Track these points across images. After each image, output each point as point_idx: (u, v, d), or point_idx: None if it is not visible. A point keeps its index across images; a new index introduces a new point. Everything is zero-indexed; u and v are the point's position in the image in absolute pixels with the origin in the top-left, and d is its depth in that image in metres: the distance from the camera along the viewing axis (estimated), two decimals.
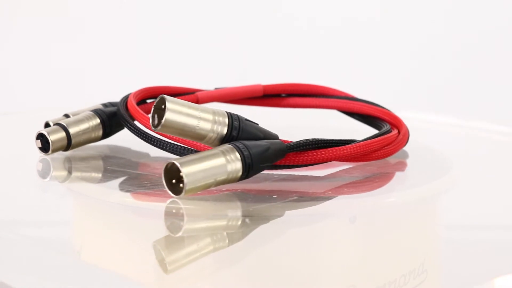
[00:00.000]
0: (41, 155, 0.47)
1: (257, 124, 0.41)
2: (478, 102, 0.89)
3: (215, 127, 0.39)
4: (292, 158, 0.42)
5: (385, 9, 0.99)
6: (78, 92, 0.85)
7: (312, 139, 0.42)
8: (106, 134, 0.49)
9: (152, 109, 0.39)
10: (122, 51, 0.94)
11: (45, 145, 0.47)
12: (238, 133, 0.40)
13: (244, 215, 0.39)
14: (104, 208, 0.41)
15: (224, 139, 0.40)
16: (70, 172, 0.47)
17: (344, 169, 0.46)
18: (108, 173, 0.47)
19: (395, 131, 0.47)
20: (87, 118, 0.48)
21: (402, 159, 0.49)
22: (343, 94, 0.55)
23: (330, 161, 0.43)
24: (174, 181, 0.38)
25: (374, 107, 0.52)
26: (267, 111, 0.57)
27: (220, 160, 0.38)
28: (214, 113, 0.40)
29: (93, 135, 0.48)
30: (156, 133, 0.42)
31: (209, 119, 0.39)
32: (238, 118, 0.40)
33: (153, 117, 0.39)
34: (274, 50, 0.99)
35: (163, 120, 0.38)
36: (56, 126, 0.47)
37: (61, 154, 0.48)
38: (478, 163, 0.52)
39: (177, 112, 0.39)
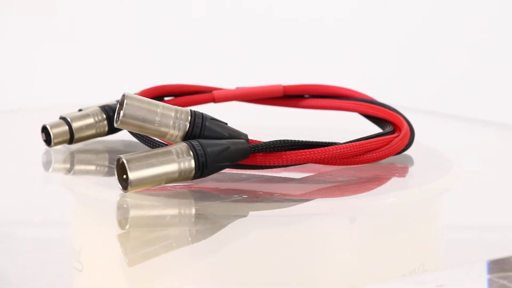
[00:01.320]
0: (46, 147, 0.49)
1: (226, 124, 0.41)
2: (478, 102, 0.86)
3: (176, 124, 0.40)
4: (261, 158, 0.41)
5: (389, 9, 0.97)
6: (99, 89, 0.87)
7: (283, 140, 0.41)
8: (112, 130, 0.50)
9: (118, 105, 0.40)
10: (141, 49, 0.96)
11: (48, 138, 0.49)
12: (200, 131, 0.40)
13: (197, 213, 0.40)
14: (93, 204, 0.42)
15: (186, 137, 0.40)
16: (68, 167, 0.48)
17: (328, 171, 0.45)
18: (106, 169, 0.48)
19: (387, 136, 0.46)
20: (93, 114, 0.50)
21: (402, 159, 0.48)
22: (364, 96, 0.54)
23: (304, 163, 0.42)
24: (124, 176, 0.38)
25: (388, 111, 0.51)
26: (286, 112, 0.56)
27: (171, 158, 0.38)
28: (177, 110, 0.40)
29: (98, 130, 0.50)
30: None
31: (170, 116, 0.40)
32: (203, 116, 0.40)
33: (118, 113, 0.40)
34: (274, 50, 0.98)
35: (121, 115, 0.39)
36: (60, 120, 0.49)
37: (67, 148, 0.50)
38: (478, 163, 0.51)
39: (136, 107, 0.39)
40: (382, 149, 0.45)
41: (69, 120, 0.49)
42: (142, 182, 0.38)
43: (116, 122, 0.39)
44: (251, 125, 0.58)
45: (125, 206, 0.40)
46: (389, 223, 0.40)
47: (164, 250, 0.37)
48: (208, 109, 0.54)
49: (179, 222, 0.39)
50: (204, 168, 0.39)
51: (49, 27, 0.91)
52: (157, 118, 0.39)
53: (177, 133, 0.40)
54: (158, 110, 0.39)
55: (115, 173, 0.39)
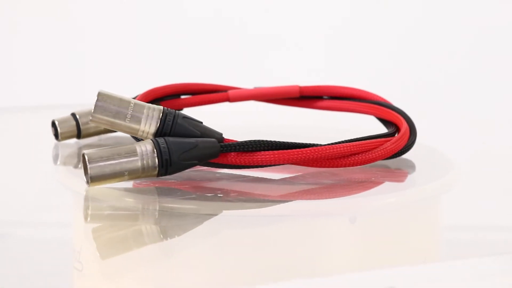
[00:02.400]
0: (55, 141, 0.51)
1: (201, 123, 0.41)
2: (478, 102, 0.84)
3: (146, 121, 0.40)
4: (233, 158, 0.41)
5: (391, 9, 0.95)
6: (117, 86, 0.87)
7: (257, 140, 0.41)
8: None
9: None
10: (154, 48, 0.96)
11: (56, 132, 0.50)
12: (171, 129, 0.40)
13: (160, 210, 0.40)
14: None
15: (157, 134, 0.41)
16: (75, 162, 0.50)
17: (311, 173, 0.45)
18: None
19: (376, 140, 0.45)
20: None
21: (402, 159, 0.47)
22: (379, 99, 0.53)
23: (278, 164, 0.42)
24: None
25: (395, 114, 0.49)
26: (303, 112, 0.56)
27: (134, 154, 0.39)
28: (149, 108, 0.41)
29: None
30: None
31: (142, 114, 0.40)
32: (174, 114, 0.41)
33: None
34: (275, 50, 0.97)
35: (92, 112, 0.40)
36: (68, 116, 0.51)
37: (77, 142, 0.51)
38: (478, 163, 0.51)
39: (107, 104, 0.40)
40: (369, 152, 0.44)
41: (77, 115, 0.50)
42: (103, 178, 0.39)
43: (90, 119, 0.40)
44: (265, 125, 0.59)
45: (93, 199, 0.41)
46: (389, 223, 0.40)
47: (136, 245, 0.38)
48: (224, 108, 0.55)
49: (147, 218, 0.40)
50: (168, 165, 0.40)
51: (62, 27, 0.93)
52: (128, 115, 0.40)
53: (148, 130, 0.40)
54: (130, 107, 0.40)
55: (82, 167, 0.40)
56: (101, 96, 0.40)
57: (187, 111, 0.54)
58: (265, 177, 0.44)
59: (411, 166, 0.48)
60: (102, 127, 0.41)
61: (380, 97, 0.53)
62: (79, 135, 0.51)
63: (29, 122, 0.62)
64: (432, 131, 0.58)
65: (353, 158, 0.43)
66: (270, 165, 0.42)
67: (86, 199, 0.41)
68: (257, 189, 0.43)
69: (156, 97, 0.52)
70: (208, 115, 0.58)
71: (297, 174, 0.45)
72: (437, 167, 0.48)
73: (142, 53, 0.95)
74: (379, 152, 0.44)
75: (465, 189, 0.46)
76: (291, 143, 0.42)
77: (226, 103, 0.55)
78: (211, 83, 0.55)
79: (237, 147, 0.41)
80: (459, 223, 0.41)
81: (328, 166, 0.43)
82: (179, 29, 0.95)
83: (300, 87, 0.55)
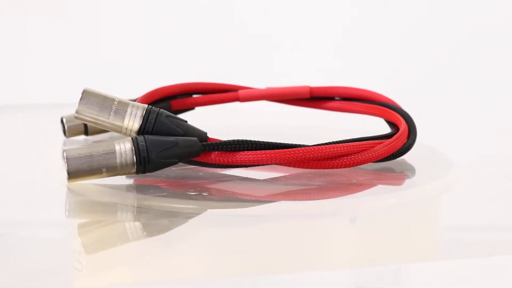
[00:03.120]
0: (64, 138, 0.52)
1: (185, 122, 0.42)
2: (479, 102, 0.81)
3: (129, 119, 0.41)
4: (215, 157, 0.42)
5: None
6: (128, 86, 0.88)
7: (240, 140, 0.41)
8: None
9: None
10: (164, 48, 0.96)
11: (64, 129, 0.52)
12: (153, 127, 0.41)
13: (139, 206, 0.41)
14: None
15: (139, 132, 0.41)
16: None
17: (305, 175, 0.44)
18: None
19: (364, 142, 0.44)
20: None
21: (402, 159, 0.47)
22: (389, 101, 0.52)
23: (260, 164, 0.42)
24: None
25: (399, 117, 0.49)
26: (314, 113, 0.56)
27: (112, 151, 0.40)
28: (133, 106, 0.41)
29: None
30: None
31: (124, 111, 0.41)
32: (158, 113, 0.41)
33: None
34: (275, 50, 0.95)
35: (76, 109, 0.41)
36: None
37: (85, 139, 0.52)
38: (478, 163, 0.50)
39: (90, 101, 0.41)
40: (358, 154, 0.43)
41: None
42: (81, 173, 0.40)
43: (75, 115, 0.41)
44: (274, 125, 0.59)
45: (74, 195, 0.42)
46: (389, 223, 0.40)
47: (119, 242, 0.38)
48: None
49: (127, 216, 0.40)
50: (146, 163, 0.40)
51: (74, 26, 0.94)
52: (111, 113, 0.41)
53: (131, 127, 0.41)
54: (114, 104, 0.41)
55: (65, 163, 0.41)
56: (85, 94, 0.41)
57: (199, 110, 0.55)
58: (251, 177, 0.44)
59: (411, 166, 0.47)
60: (88, 124, 0.42)
61: (388, 99, 0.52)
62: (86, 132, 0.52)
63: (40, 120, 0.64)
64: (432, 131, 0.58)
65: (340, 160, 0.43)
66: (253, 165, 0.42)
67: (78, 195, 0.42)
68: (241, 189, 0.43)
69: (165, 95, 0.53)
70: (224, 113, 0.59)
71: (296, 174, 0.45)
72: (437, 167, 0.48)
73: (152, 52, 0.96)
74: (368, 154, 0.44)
75: (465, 189, 0.45)
76: (275, 143, 0.42)
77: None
78: (223, 82, 0.55)
79: (219, 146, 0.41)
80: (459, 223, 0.40)
81: (313, 167, 0.43)
82: (189, 28, 0.95)
83: (311, 88, 0.55)
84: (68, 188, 0.42)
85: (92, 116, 0.41)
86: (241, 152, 0.41)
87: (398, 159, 0.46)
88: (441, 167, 0.48)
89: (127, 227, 0.39)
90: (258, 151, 0.41)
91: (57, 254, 0.36)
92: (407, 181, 0.46)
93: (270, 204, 0.42)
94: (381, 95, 0.53)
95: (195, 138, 0.41)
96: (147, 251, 0.37)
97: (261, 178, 0.44)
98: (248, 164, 0.42)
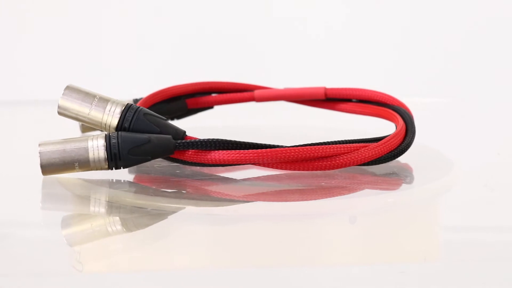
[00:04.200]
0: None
1: (165, 120, 0.42)
2: (479, 102, 0.77)
3: (107, 116, 0.42)
4: (190, 155, 0.42)
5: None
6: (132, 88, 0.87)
7: (216, 139, 0.42)
8: None
9: None
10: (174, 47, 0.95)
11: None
12: (130, 124, 0.42)
13: (109, 201, 0.41)
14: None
15: (117, 129, 0.42)
16: None
17: (295, 176, 0.44)
18: None
19: (351, 145, 0.43)
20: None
21: (402, 159, 0.46)
22: (400, 104, 0.51)
23: (236, 163, 0.42)
24: None
25: (401, 120, 0.48)
26: (329, 114, 0.55)
27: (83, 146, 0.41)
28: (113, 103, 0.42)
29: None
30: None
31: (103, 108, 0.42)
32: (136, 110, 0.42)
33: None
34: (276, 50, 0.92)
35: (58, 105, 0.42)
36: None
37: None
38: (478, 163, 0.50)
39: (72, 97, 0.42)
40: (338, 157, 0.43)
41: None
42: (53, 167, 0.41)
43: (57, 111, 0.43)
44: (289, 125, 0.59)
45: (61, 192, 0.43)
46: (389, 223, 0.40)
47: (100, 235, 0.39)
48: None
49: (113, 214, 0.41)
50: (117, 159, 0.41)
51: (82, 25, 0.95)
52: (91, 109, 0.42)
53: (110, 123, 0.42)
54: (94, 101, 0.42)
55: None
56: (67, 90, 0.42)
57: (218, 109, 0.56)
58: (231, 177, 0.44)
59: (411, 166, 0.47)
60: (71, 120, 0.43)
61: (402, 104, 0.51)
62: None
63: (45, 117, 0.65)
64: (432, 131, 0.57)
65: (318, 162, 0.43)
66: (228, 165, 0.42)
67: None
68: (220, 188, 0.44)
69: (178, 94, 0.53)
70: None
71: (292, 173, 0.44)
72: (437, 167, 0.48)
73: (164, 52, 0.96)
74: (349, 157, 0.43)
75: (465, 189, 0.45)
76: (252, 143, 0.42)
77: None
78: (240, 82, 0.56)
79: (193, 145, 0.42)
80: (459, 223, 0.40)
81: (290, 169, 0.43)
82: (201, 27, 0.95)
83: (326, 89, 0.54)
84: (60, 183, 0.43)
85: (73, 112, 0.42)
86: (216, 151, 0.42)
87: (398, 159, 0.45)
88: (441, 167, 0.48)
89: (108, 228, 0.40)
90: (233, 151, 0.42)
91: (57, 254, 0.36)
92: (407, 182, 0.46)
93: (246, 204, 0.42)
94: (393, 97, 0.52)
95: (169, 136, 0.42)
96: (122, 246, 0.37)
97: (240, 178, 0.44)
98: (222, 163, 0.42)
